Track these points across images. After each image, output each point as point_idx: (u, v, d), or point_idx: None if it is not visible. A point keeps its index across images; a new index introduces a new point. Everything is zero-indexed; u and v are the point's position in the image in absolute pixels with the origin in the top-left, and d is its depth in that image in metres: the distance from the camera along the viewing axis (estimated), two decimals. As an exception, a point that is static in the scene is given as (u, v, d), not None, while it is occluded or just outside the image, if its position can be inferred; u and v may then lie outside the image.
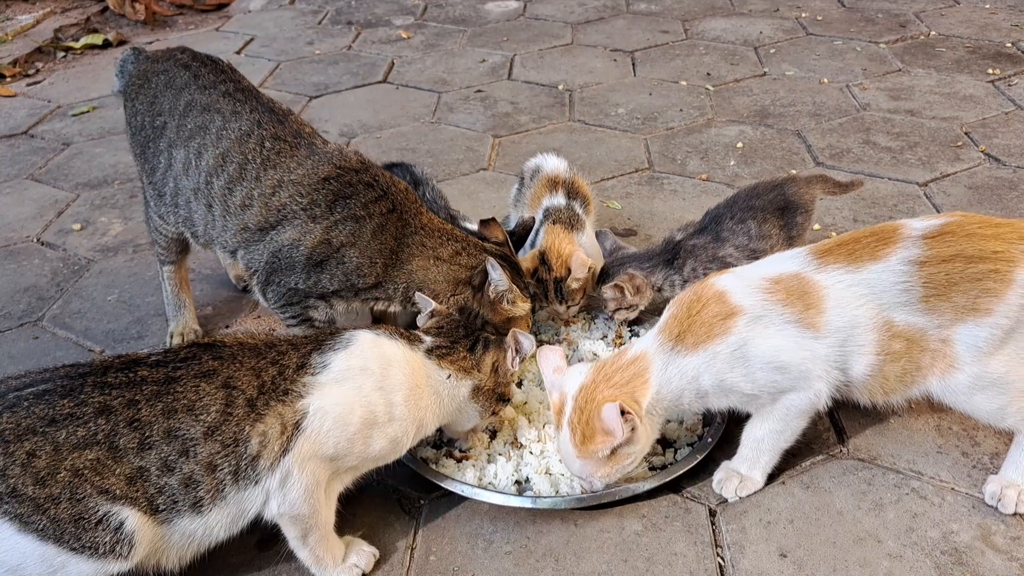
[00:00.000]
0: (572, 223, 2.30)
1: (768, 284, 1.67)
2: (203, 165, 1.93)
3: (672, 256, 2.14)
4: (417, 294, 1.86)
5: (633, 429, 1.62)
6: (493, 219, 2.17)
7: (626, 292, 2.09)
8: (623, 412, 1.59)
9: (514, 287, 1.95)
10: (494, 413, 1.84)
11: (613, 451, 1.64)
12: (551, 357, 1.78)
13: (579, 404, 1.65)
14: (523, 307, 1.99)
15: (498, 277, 1.91)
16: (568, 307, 2.23)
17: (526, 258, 2.22)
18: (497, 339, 1.79)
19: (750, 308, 1.65)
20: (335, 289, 1.94)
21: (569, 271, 2.16)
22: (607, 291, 2.12)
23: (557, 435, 1.72)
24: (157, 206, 2.11)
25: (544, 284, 2.18)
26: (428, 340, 1.71)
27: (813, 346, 1.65)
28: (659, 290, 2.15)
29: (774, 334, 1.64)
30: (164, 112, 2.00)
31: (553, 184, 2.43)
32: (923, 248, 1.62)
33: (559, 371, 1.76)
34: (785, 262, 1.72)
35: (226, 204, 1.92)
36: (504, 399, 1.86)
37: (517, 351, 1.80)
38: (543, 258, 2.19)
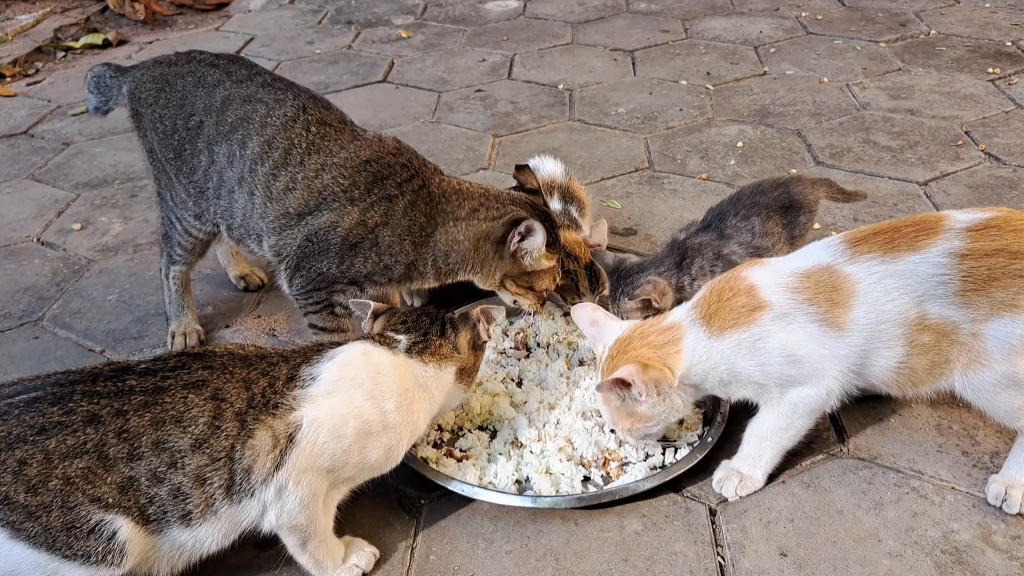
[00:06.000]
0: (570, 228, 2.30)
1: (797, 281, 1.68)
2: (247, 154, 1.94)
3: (680, 257, 2.12)
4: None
5: (633, 395, 1.70)
6: (527, 166, 2.18)
7: (653, 303, 2.04)
8: (626, 383, 1.68)
9: (542, 250, 1.95)
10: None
11: (627, 406, 1.74)
12: (585, 312, 1.90)
13: (612, 353, 1.76)
14: (546, 264, 2.00)
15: (534, 243, 1.93)
16: (596, 298, 2.22)
17: None
18: (461, 316, 1.79)
19: (777, 305, 1.67)
20: (368, 272, 1.96)
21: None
22: (634, 303, 2.06)
23: (595, 377, 1.83)
24: (197, 204, 2.10)
25: (574, 275, 2.17)
26: (403, 339, 1.70)
27: (833, 345, 1.65)
28: (677, 291, 2.12)
29: (796, 330, 1.66)
30: (198, 111, 2.01)
31: (549, 189, 2.42)
32: (966, 241, 1.59)
33: (596, 324, 1.87)
34: (818, 253, 1.72)
35: (269, 190, 1.94)
36: (478, 367, 1.86)
37: (488, 321, 1.80)
38: (564, 250, 2.18)
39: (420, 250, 1.96)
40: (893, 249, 1.63)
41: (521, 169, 2.16)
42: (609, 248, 2.35)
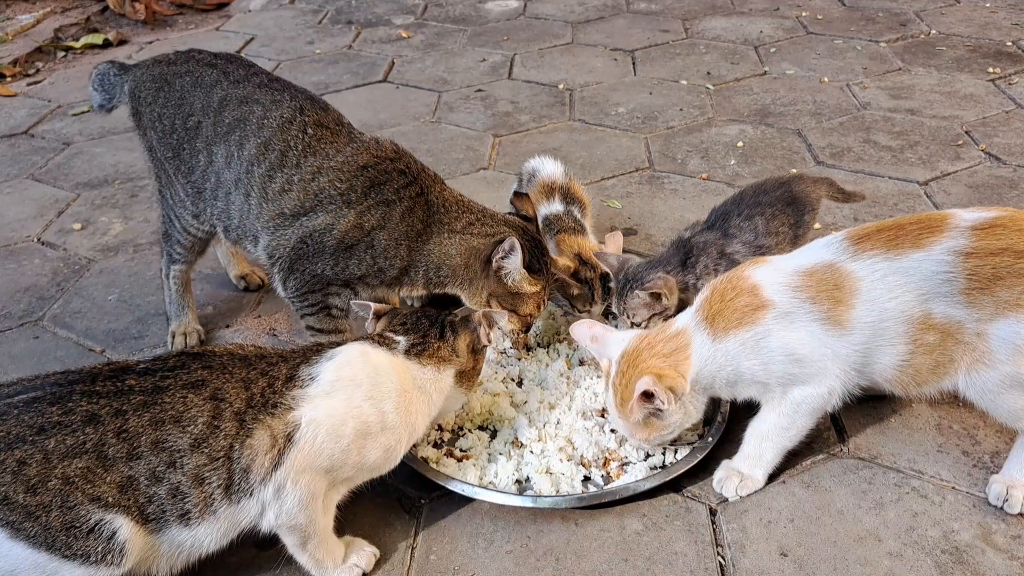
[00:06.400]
0: (577, 231, 2.30)
1: (800, 279, 1.67)
2: (244, 155, 1.94)
3: (685, 256, 2.11)
4: (353, 302, 1.86)
5: (657, 405, 1.69)
6: (525, 194, 2.19)
7: (663, 298, 2.03)
8: (650, 395, 1.67)
9: (523, 271, 1.95)
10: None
11: (647, 418, 1.73)
12: (583, 329, 1.90)
13: (622, 368, 1.75)
14: (529, 288, 1.99)
15: (514, 263, 1.93)
16: (606, 304, 2.23)
17: (568, 262, 2.19)
18: (462, 319, 1.77)
19: (779, 304, 1.66)
20: (361, 274, 1.96)
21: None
22: (640, 297, 2.04)
23: (606, 394, 1.83)
24: (195, 204, 2.10)
25: (590, 283, 2.18)
26: (402, 340, 1.69)
27: (835, 344, 1.65)
28: (683, 290, 2.11)
29: (799, 329, 1.65)
30: (196, 111, 2.01)
31: (550, 190, 2.41)
32: (971, 239, 1.58)
33: (596, 340, 1.87)
34: (820, 251, 1.71)
35: (265, 191, 1.93)
36: (480, 371, 1.84)
37: (489, 325, 1.78)
38: (581, 259, 2.19)
39: (414, 256, 1.96)
40: (897, 247, 1.63)
41: (519, 196, 2.18)
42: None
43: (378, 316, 1.78)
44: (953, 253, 1.59)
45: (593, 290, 2.19)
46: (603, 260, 2.17)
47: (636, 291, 2.04)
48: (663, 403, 1.67)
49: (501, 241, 1.92)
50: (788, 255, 1.79)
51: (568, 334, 2.28)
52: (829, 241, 1.72)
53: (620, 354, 1.77)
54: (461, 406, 1.91)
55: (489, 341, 1.79)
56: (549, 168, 2.49)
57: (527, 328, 2.12)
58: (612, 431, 1.93)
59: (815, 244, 1.76)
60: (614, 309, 2.16)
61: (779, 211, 2.16)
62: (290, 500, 1.47)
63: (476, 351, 1.78)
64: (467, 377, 1.77)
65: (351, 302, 1.87)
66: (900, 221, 1.68)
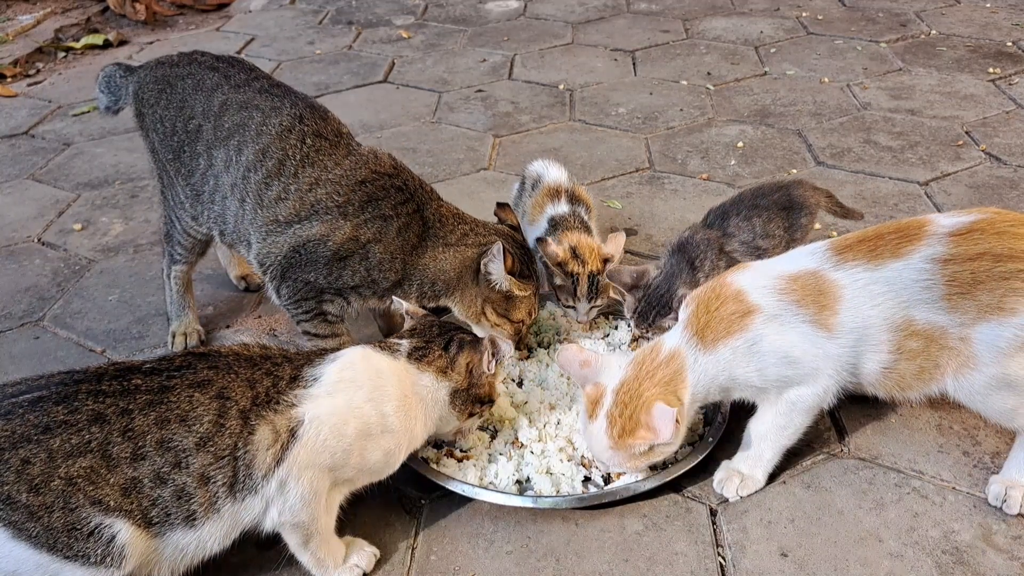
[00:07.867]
0: (582, 230, 2.31)
1: (784, 283, 1.68)
2: (242, 160, 1.94)
3: (691, 260, 2.10)
4: (394, 298, 1.87)
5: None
6: (507, 204, 2.21)
7: None
8: (677, 422, 1.63)
9: (509, 277, 1.95)
10: (471, 415, 1.78)
11: (651, 448, 1.68)
12: (572, 354, 1.80)
13: (621, 398, 1.68)
14: (519, 292, 2.00)
15: (496, 269, 1.93)
16: (591, 307, 2.21)
17: (557, 250, 2.18)
18: (472, 340, 1.76)
19: (766, 307, 1.66)
20: (355, 284, 1.97)
21: (605, 262, 2.18)
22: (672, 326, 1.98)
23: (589, 424, 1.74)
24: (193, 206, 2.11)
25: (575, 277, 2.17)
26: (405, 344, 1.70)
27: (825, 345, 1.66)
28: None
29: (790, 331, 1.65)
30: (197, 115, 2.01)
31: (556, 193, 2.43)
32: (949, 246, 1.59)
33: (586, 364, 1.77)
34: (804, 258, 1.72)
35: (260, 198, 1.93)
36: (483, 401, 1.79)
37: (494, 353, 1.76)
38: (574, 252, 2.19)
39: (409, 269, 1.98)
40: (877, 256, 1.64)
41: (502, 207, 2.20)
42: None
43: (409, 317, 1.80)
44: (931, 261, 1.59)
45: (577, 285, 2.18)
46: (615, 280, 2.12)
47: (667, 321, 2.00)
48: (666, 438, 1.64)
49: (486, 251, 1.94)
50: (769, 260, 1.80)
51: (568, 334, 2.28)
52: (812, 250, 1.73)
53: (618, 383, 1.71)
54: (453, 429, 1.81)
55: (490, 368, 1.75)
56: (554, 173, 2.50)
57: (519, 337, 2.11)
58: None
59: (798, 252, 1.77)
60: (636, 331, 2.13)
61: (775, 214, 2.17)
62: (293, 496, 1.48)
63: (473, 373, 1.74)
64: (459, 399, 1.72)
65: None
66: (880, 230, 1.69)
